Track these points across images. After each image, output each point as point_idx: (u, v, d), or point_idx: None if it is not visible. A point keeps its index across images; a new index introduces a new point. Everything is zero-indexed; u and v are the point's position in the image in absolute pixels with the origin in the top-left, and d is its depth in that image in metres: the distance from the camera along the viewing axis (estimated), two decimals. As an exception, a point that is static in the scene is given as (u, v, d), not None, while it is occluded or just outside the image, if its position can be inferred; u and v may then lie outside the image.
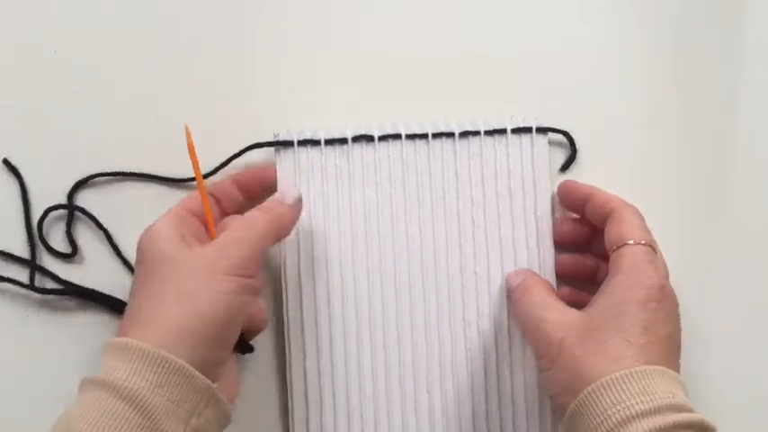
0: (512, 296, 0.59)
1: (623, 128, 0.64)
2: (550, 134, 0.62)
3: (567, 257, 0.61)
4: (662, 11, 0.65)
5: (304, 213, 0.58)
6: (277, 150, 0.59)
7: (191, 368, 0.47)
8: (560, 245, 0.61)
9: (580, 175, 0.63)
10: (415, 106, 0.62)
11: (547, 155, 0.62)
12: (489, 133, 0.61)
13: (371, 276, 0.59)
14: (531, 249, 0.60)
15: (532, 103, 0.63)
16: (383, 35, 0.63)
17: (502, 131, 0.61)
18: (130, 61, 0.62)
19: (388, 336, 0.59)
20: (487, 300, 0.60)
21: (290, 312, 0.59)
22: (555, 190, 0.62)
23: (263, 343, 0.60)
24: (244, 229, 0.53)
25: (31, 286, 0.59)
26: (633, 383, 0.48)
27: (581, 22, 0.64)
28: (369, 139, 0.60)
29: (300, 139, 0.59)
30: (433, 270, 0.60)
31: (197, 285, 0.50)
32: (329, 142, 0.60)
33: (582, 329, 0.52)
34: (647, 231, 0.55)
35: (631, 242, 0.54)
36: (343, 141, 0.60)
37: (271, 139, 0.60)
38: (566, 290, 0.61)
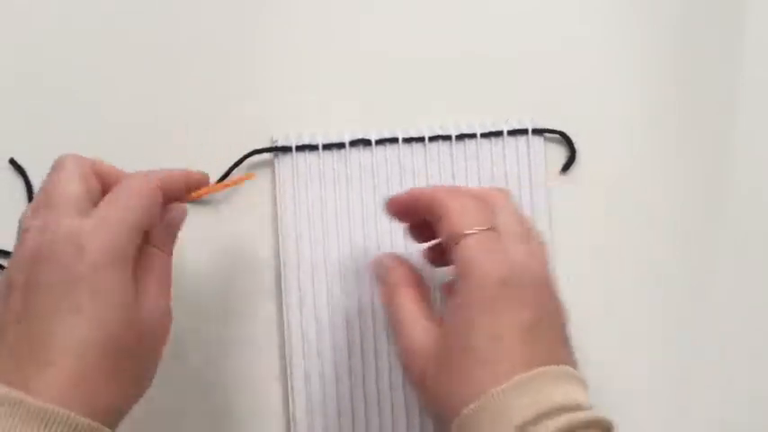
0: (379, 287, 0.54)
1: (623, 128, 0.63)
2: (551, 135, 0.62)
3: (430, 251, 0.56)
4: (662, 11, 0.64)
5: (303, 218, 0.59)
6: (276, 156, 0.60)
7: (103, 428, 0.43)
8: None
9: (580, 175, 0.63)
10: (414, 106, 0.62)
11: (543, 156, 0.62)
12: (485, 136, 0.61)
13: (371, 279, 0.60)
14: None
15: (532, 103, 0.63)
16: (383, 36, 0.63)
17: (498, 134, 0.61)
18: (130, 61, 0.62)
19: (390, 338, 0.60)
20: (486, 301, 0.60)
21: (291, 317, 0.59)
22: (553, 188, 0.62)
23: (266, 345, 0.60)
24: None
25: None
26: (490, 409, 0.43)
27: (581, 22, 0.64)
28: (366, 143, 0.60)
29: (299, 144, 0.60)
30: (431, 272, 0.60)
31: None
32: (327, 147, 0.60)
33: (440, 357, 0.46)
34: (475, 211, 0.48)
35: (457, 240, 0.47)
36: (340, 146, 0.60)
37: (269, 143, 0.60)
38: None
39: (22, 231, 0.46)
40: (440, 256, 0.54)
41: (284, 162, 0.60)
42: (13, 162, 0.60)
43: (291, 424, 0.59)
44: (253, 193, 0.61)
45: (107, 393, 0.44)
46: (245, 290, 0.60)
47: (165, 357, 0.59)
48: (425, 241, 0.55)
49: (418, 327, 0.49)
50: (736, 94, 0.64)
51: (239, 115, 0.61)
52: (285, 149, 0.60)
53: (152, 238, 0.49)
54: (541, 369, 0.44)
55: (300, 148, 0.60)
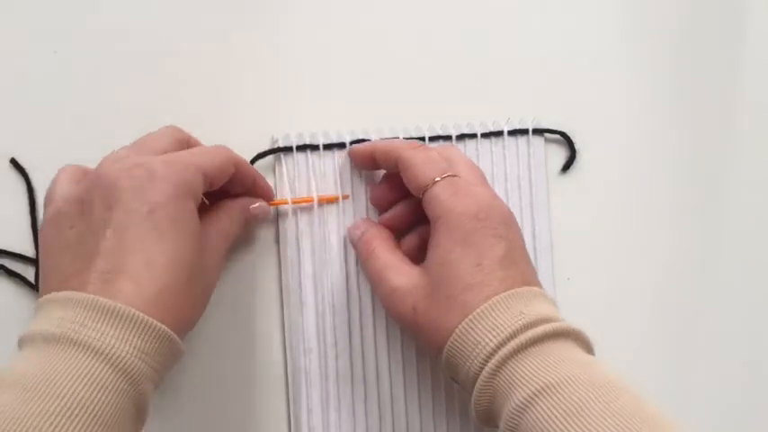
0: (356, 250, 0.59)
1: (623, 128, 0.64)
2: (551, 135, 0.62)
3: (388, 216, 0.59)
4: (662, 11, 0.64)
5: (304, 217, 0.59)
6: (277, 156, 0.60)
7: (175, 336, 0.47)
8: (379, 206, 0.60)
9: (581, 175, 0.63)
10: (414, 106, 0.62)
11: (543, 156, 0.62)
12: (486, 135, 0.61)
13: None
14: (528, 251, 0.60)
15: (532, 103, 0.63)
16: (383, 35, 0.63)
17: (498, 134, 0.61)
18: (131, 62, 0.62)
19: (389, 336, 0.60)
20: (486, 301, 0.60)
21: (292, 317, 0.59)
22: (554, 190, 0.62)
23: (267, 345, 0.60)
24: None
25: (36, 286, 0.59)
26: (481, 323, 0.49)
27: (581, 22, 0.64)
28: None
29: (299, 144, 0.60)
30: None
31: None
32: (327, 147, 0.60)
33: (427, 290, 0.52)
34: (437, 162, 0.54)
35: (426, 186, 0.53)
36: (341, 146, 0.60)
37: (269, 143, 0.60)
38: (412, 237, 0.59)
39: (99, 165, 0.51)
40: (402, 221, 0.59)
41: (285, 162, 0.60)
42: (14, 162, 0.60)
43: (292, 422, 0.59)
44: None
45: (180, 310, 0.48)
46: (246, 289, 0.60)
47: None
48: (381, 202, 0.60)
49: (399, 269, 0.55)
50: (736, 93, 0.64)
51: (239, 115, 0.61)
52: (286, 149, 0.60)
53: (230, 212, 0.56)
54: (519, 289, 0.50)
55: (301, 148, 0.60)
